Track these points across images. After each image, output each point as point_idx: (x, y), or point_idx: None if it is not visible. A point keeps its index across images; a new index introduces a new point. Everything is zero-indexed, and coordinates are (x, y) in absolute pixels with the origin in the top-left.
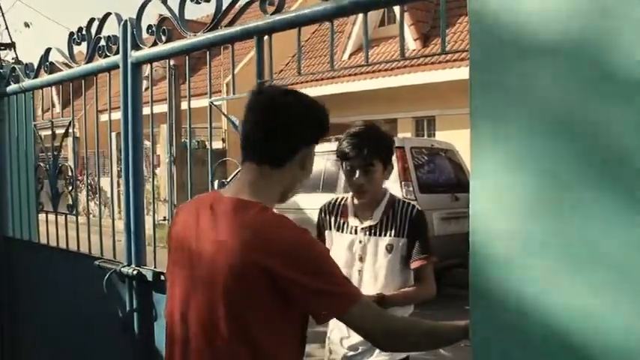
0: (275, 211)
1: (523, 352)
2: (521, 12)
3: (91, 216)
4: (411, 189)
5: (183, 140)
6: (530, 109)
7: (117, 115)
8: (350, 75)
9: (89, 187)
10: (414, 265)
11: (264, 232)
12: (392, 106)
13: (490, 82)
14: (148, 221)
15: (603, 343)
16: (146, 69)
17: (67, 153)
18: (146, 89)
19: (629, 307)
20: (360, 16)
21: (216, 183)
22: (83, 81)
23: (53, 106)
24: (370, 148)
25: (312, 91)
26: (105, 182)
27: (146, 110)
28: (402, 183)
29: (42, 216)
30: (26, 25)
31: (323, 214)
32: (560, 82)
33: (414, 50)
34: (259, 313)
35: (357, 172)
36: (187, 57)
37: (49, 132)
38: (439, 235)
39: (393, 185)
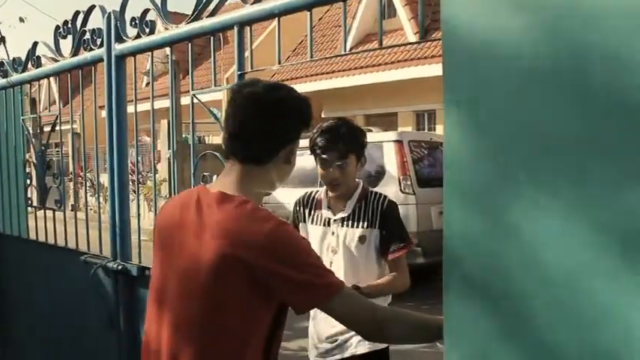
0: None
1: (496, 342)
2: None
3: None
4: (409, 183)
5: (183, 136)
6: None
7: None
8: (350, 69)
9: (91, 183)
10: (391, 256)
11: (242, 225)
12: (392, 100)
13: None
14: (150, 217)
15: (578, 332)
16: (146, 64)
17: (67, 148)
18: (146, 85)
19: (605, 292)
20: (361, 9)
21: (214, 177)
22: (69, 75)
23: (50, 104)
24: (344, 142)
25: (311, 85)
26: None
27: (146, 106)
28: (401, 177)
29: (39, 212)
30: (21, 20)
31: (298, 207)
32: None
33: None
34: (234, 310)
35: (332, 166)
36: (171, 49)
37: (48, 127)
38: (438, 229)
39: (391, 179)
